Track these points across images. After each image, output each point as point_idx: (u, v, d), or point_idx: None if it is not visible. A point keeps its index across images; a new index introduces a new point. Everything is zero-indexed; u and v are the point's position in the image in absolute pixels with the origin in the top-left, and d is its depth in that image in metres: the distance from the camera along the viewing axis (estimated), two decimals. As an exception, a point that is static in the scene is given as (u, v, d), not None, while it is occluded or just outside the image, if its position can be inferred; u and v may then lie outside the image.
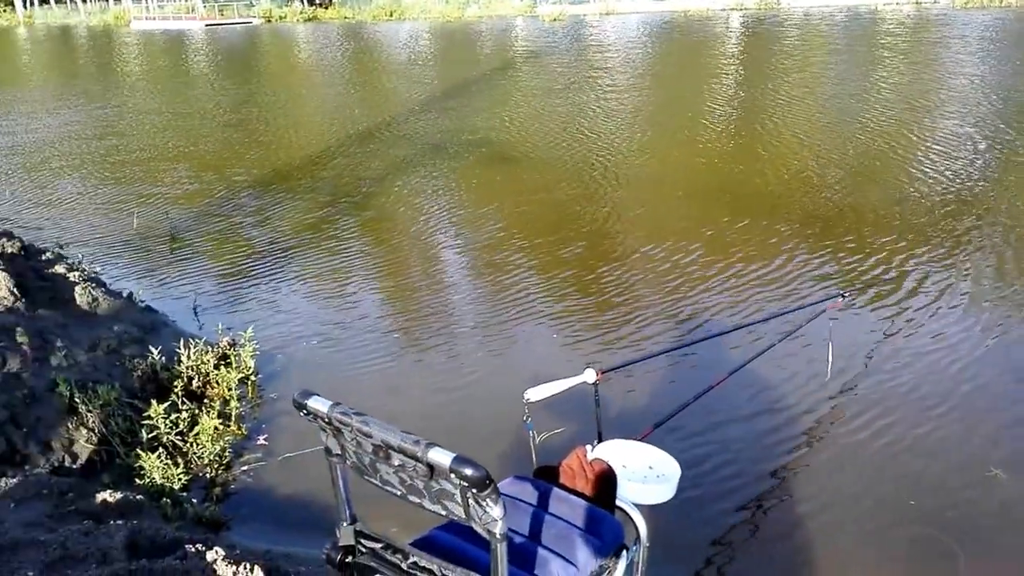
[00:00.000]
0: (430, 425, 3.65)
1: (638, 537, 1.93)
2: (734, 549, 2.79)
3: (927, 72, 13.95)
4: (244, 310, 5.27)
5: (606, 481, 1.97)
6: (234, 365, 4.26)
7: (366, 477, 1.52)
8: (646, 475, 2.08)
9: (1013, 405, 3.57)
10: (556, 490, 1.94)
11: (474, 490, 1.32)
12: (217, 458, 3.53)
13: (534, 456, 2.22)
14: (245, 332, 4.35)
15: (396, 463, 1.43)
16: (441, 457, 1.32)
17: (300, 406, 1.50)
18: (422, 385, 4.11)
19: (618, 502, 1.97)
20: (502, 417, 3.50)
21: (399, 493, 1.49)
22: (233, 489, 3.38)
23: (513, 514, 1.86)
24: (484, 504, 1.35)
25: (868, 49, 17.96)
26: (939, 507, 2.93)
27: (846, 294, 4.08)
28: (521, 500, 1.91)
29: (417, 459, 1.36)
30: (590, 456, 2.06)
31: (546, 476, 2.03)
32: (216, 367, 4.18)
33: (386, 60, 21.88)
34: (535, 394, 2.22)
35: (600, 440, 2.27)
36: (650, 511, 1.96)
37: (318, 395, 1.48)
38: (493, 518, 1.36)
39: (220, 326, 4.62)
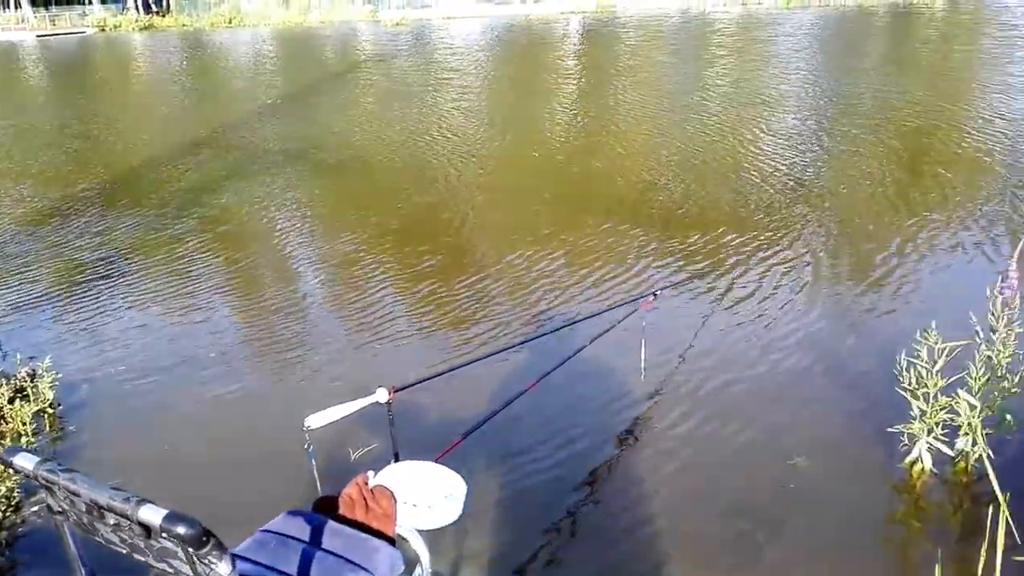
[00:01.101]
0: (228, 458, 3.51)
1: (420, 564, 1.88)
2: (546, 561, 2.79)
3: (762, 69, 14.73)
4: (55, 338, 4.92)
5: (385, 508, 1.91)
6: (32, 398, 3.97)
7: (91, 535, 1.40)
8: (431, 497, 2.03)
9: (819, 394, 3.75)
10: (331, 523, 1.87)
11: (191, 548, 1.23)
12: (4, 499, 3.25)
13: (318, 486, 2.13)
14: (43, 362, 4.07)
15: (111, 522, 1.31)
16: (152, 515, 1.22)
17: (6, 463, 1.37)
18: (226, 418, 3.91)
19: (399, 529, 1.92)
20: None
21: (125, 551, 1.37)
22: (21, 532, 3.12)
23: (282, 553, 1.77)
24: (207, 562, 1.25)
25: (704, 49, 18.80)
26: (745, 500, 3.04)
27: (659, 292, 4.18)
28: (291, 537, 1.82)
29: (128, 518, 1.25)
30: (372, 482, 2.00)
31: (324, 508, 1.95)
32: (11, 400, 3.90)
33: (230, 68, 21.11)
34: (316, 420, 2.13)
35: (397, 462, 2.21)
36: (452, 532, 1.91)
37: (26, 451, 1.35)
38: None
39: (20, 357, 4.29)
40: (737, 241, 5.87)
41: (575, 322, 4.11)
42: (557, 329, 3.97)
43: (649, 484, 3.16)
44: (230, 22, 36.09)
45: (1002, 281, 2.97)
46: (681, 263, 5.56)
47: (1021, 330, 2.96)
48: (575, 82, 15.42)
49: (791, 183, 7.39)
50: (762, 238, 5.92)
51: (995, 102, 10.60)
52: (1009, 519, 2.60)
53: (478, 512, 2.84)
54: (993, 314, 2.99)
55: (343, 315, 5.09)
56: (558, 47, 21.58)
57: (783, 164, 8.06)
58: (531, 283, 5.32)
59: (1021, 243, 3.14)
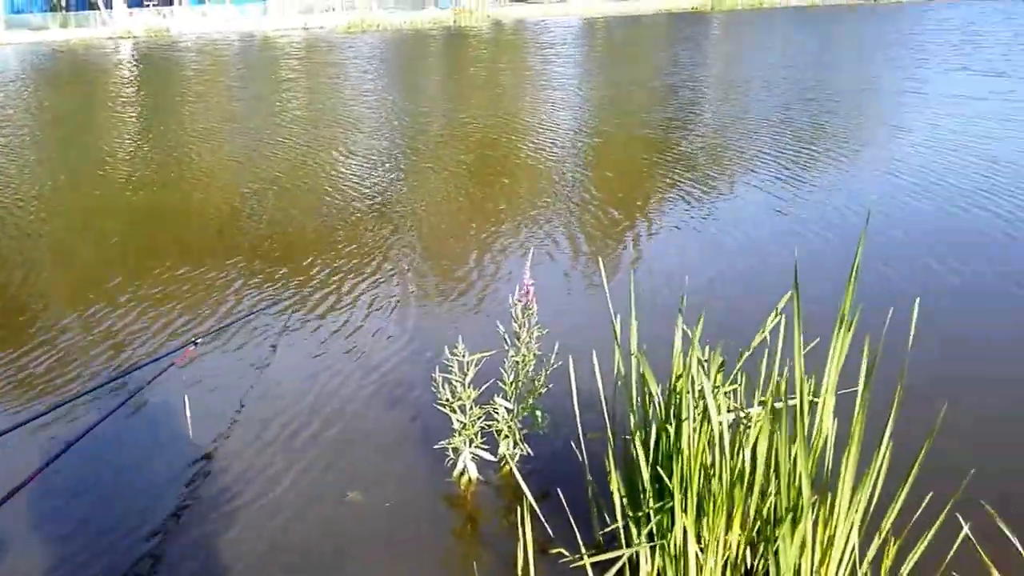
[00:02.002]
0: None
1: None
2: None
3: (335, 92, 14.80)
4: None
5: None
6: None
7: None
8: None
9: (380, 423, 3.69)
10: None
11: None
12: None
13: None
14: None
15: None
16: None
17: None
18: None
19: None
20: None
21: None
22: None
23: None
24: None
25: (275, 72, 18.48)
26: (296, 544, 2.86)
27: (199, 340, 3.84)
28: None
29: None
30: None
31: None
32: None
33: None
34: None
35: None
36: None
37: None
38: None
39: None
40: (324, 271, 5.67)
41: (85, 393, 3.57)
42: (61, 404, 3.41)
43: (210, 557, 2.84)
44: None
45: (519, 289, 3.15)
46: (267, 298, 5.20)
47: (540, 333, 3.16)
48: (138, 113, 14.22)
49: (374, 204, 7.44)
50: (350, 264, 5.81)
51: (543, 114, 11.82)
52: (539, 513, 2.77)
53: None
54: (515, 321, 3.15)
55: None
56: (112, 75, 19.79)
57: (366, 185, 8.11)
58: (89, 347, 4.59)
59: (532, 252, 3.37)
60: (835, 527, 2.38)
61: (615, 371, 2.74)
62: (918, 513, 2.46)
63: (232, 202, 7.74)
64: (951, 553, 2.42)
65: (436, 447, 3.17)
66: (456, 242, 6.28)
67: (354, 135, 10.81)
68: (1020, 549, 2.24)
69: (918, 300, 2.50)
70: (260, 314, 4.86)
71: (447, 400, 3.06)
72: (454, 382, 3.04)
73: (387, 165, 9.09)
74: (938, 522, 2.34)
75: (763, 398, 2.56)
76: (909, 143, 9.09)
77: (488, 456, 3.14)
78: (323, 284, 5.43)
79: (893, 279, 5.16)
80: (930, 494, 2.48)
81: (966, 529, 2.38)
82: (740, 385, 2.67)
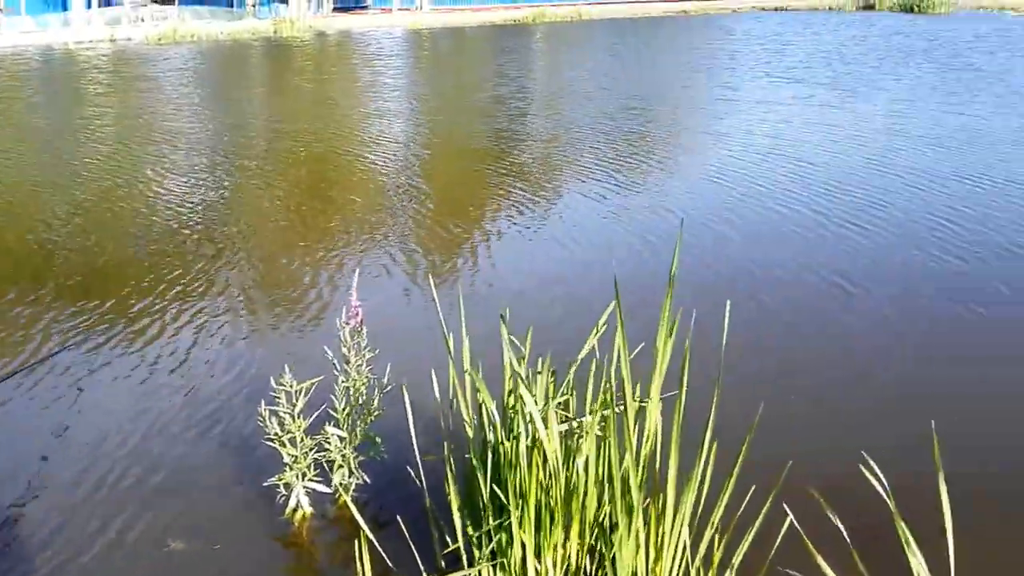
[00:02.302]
0: None
1: None
2: None
3: (152, 106, 13.92)
4: None
5: None
6: None
7: None
8: None
9: (207, 463, 3.48)
10: None
11: None
12: None
13: None
14: None
15: None
16: None
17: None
18: None
19: None
20: None
21: None
22: None
23: None
24: None
25: (83, 88, 17.22)
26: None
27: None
28: None
29: None
30: None
31: None
32: None
33: None
34: None
35: None
36: None
37: None
38: None
39: None
40: (143, 300, 5.25)
41: None
42: None
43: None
44: None
45: (347, 311, 3.06)
46: (77, 333, 4.76)
47: (372, 355, 3.08)
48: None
49: (197, 225, 7.02)
50: (172, 291, 5.42)
51: (374, 126, 11.63)
52: (378, 543, 2.69)
53: None
54: (345, 344, 3.06)
55: None
56: None
57: (187, 205, 7.65)
58: None
59: (358, 274, 3.29)
60: (666, 527, 2.44)
61: (451, 389, 2.70)
62: (743, 506, 2.57)
63: (37, 230, 7.11)
64: (777, 541, 2.54)
65: (267, 484, 3.02)
66: (286, 262, 6.06)
67: (172, 152, 10.24)
68: (842, 531, 2.38)
69: (728, 304, 2.62)
70: (68, 351, 4.48)
71: (276, 434, 2.92)
72: (282, 414, 2.91)
73: (210, 183, 8.66)
74: (762, 513, 2.45)
75: (594, 406, 2.60)
76: (727, 148, 9.61)
77: (323, 488, 3.02)
78: (141, 315, 5.08)
79: (717, 280, 5.43)
80: (752, 488, 2.61)
81: (791, 517, 2.50)
82: (571, 395, 2.71)
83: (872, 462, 2.26)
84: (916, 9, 26.56)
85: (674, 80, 15.51)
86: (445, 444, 2.67)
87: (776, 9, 30.54)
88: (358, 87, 16.53)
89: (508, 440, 2.55)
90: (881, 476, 2.21)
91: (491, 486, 2.54)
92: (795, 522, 2.47)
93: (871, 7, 28.56)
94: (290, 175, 9.02)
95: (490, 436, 2.61)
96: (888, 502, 2.13)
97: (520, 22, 29.95)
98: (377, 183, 8.53)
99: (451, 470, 2.60)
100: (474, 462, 2.59)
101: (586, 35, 25.88)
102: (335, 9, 35.13)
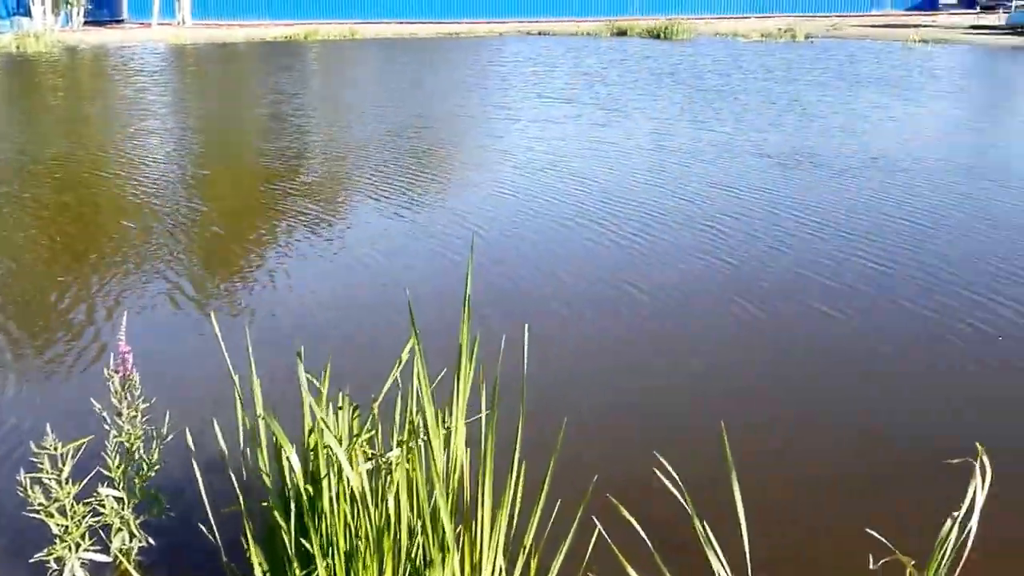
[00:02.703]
0: None
1: None
2: None
3: None
4: None
5: None
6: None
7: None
8: None
9: None
10: None
11: None
12: None
13: None
14: None
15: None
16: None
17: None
18: None
19: None
20: None
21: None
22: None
23: None
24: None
25: None
26: None
27: None
28: None
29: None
30: None
31: None
32: None
33: None
34: None
35: None
36: None
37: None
38: None
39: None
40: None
41: None
42: None
43: None
44: None
45: (115, 358, 2.77)
46: None
47: (146, 405, 2.80)
48: None
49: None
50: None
51: (143, 147, 10.79)
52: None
53: None
54: (115, 395, 2.76)
55: None
56: None
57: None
58: None
59: (125, 317, 3.00)
60: (481, 553, 2.41)
61: (244, 434, 2.51)
62: (553, 523, 2.59)
63: None
64: (588, 552, 2.58)
65: (34, 560, 2.66)
66: (46, 303, 5.44)
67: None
68: (644, 536, 2.44)
69: (527, 326, 2.63)
70: None
71: (40, 504, 2.57)
72: (46, 481, 2.57)
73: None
74: (573, 527, 2.47)
75: (400, 438, 2.51)
76: (512, 163, 9.83)
77: (102, 557, 2.70)
78: None
79: (516, 295, 5.50)
80: (559, 501, 2.63)
81: (599, 527, 2.55)
82: (376, 430, 2.60)
83: (667, 464, 2.33)
84: (662, 36, 28.75)
85: (453, 99, 15.72)
86: (240, 495, 2.47)
87: (539, 33, 31.91)
88: (121, 105, 15.37)
89: (311, 484, 2.41)
90: (676, 477, 2.29)
91: (295, 535, 2.38)
92: (603, 532, 2.52)
93: (623, 33, 30.55)
94: (50, 202, 8.18)
95: (291, 481, 2.45)
96: (686, 503, 2.21)
97: (292, 39, 29.20)
98: (152, 208, 7.91)
99: (248, 522, 2.41)
100: (275, 511, 2.42)
101: (362, 54, 25.69)
102: (87, 23, 32.52)
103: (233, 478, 2.53)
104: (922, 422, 3.97)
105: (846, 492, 3.41)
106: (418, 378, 2.30)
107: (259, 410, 2.46)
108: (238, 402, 2.49)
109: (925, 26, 28.49)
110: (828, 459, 3.67)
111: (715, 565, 2.22)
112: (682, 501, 2.22)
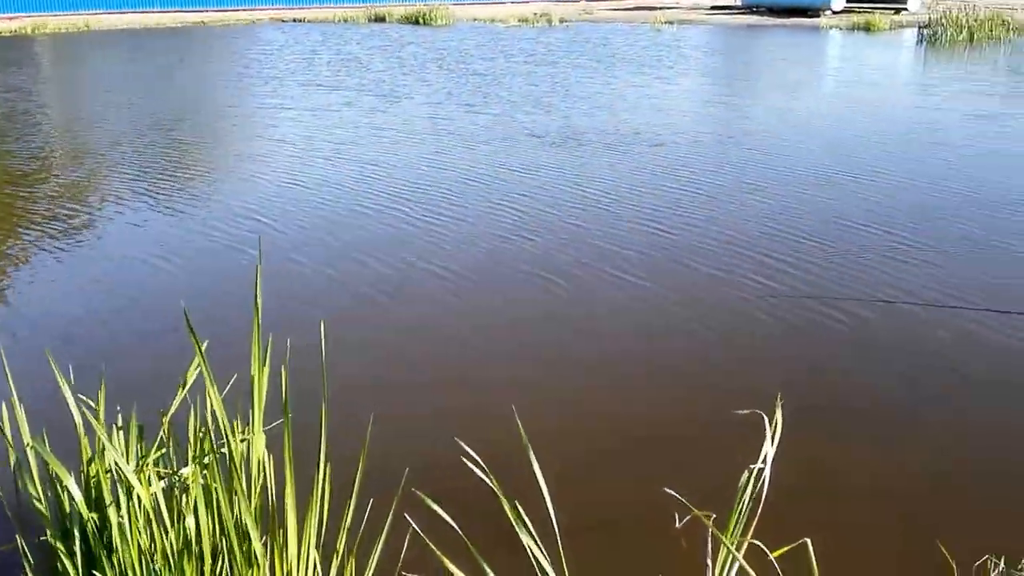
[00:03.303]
0: None
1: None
2: None
3: None
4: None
5: None
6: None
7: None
8: None
9: None
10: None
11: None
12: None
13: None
14: None
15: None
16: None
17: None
18: None
19: None
20: None
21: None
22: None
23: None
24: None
25: None
26: None
27: None
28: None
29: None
30: None
31: None
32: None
33: None
34: None
35: None
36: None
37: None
38: None
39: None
40: None
41: None
42: None
43: None
44: None
45: None
46: None
47: None
48: None
49: None
50: None
51: None
52: None
53: None
54: None
55: None
56: None
57: None
58: None
59: None
60: (291, 560, 2.34)
61: (12, 466, 2.27)
62: (367, 523, 2.56)
63: None
64: (403, 550, 2.57)
65: None
66: None
67: None
68: (455, 525, 2.46)
69: (323, 322, 2.57)
70: None
71: None
72: None
73: None
74: (387, 525, 2.45)
75: (195, 454, 2.38)
76: (293, 153, 9.51)
77: None
78: None
79: (314, 290, 5.32)
80: (371, 500, 2.61)
81: (413, 524, 2.53)
82: (169, 447, 2.45)
83: (471, 451, 2.33)
84: (421, 21, 28.97)
85: (217, 90, 14.93)
86: (18, 530, 2.24)
87: (295, 20, 31.03)
88: None
89: (96, 511, 2.23)
90: (481, 462, 2.29)
91: (81, 568, 2.19)
92: (416, 528, 2.51)
93: (382, 19, 30.45)
94: None
95: (74, 510, 2.25)
96: (494, 487, 2.22)
97: (19, 33, 26.31)
98: None
99: (28, 560, 2.20)
100: (58, 547, 2.22)
101: (102, 46, 23.65)
102: None
103: (8, 513, 2.29)
104: (713, 381, 4.25)
105: (646, 455, 3.59)
106: (209, 391, 2.19)
107: (26, 437, 2.24)
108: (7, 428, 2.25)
109: (670, 8, 30.65)
110: (626, 423, 3.86)
111: (525, 540, 2.27)
112: (489, 483, 2.22)
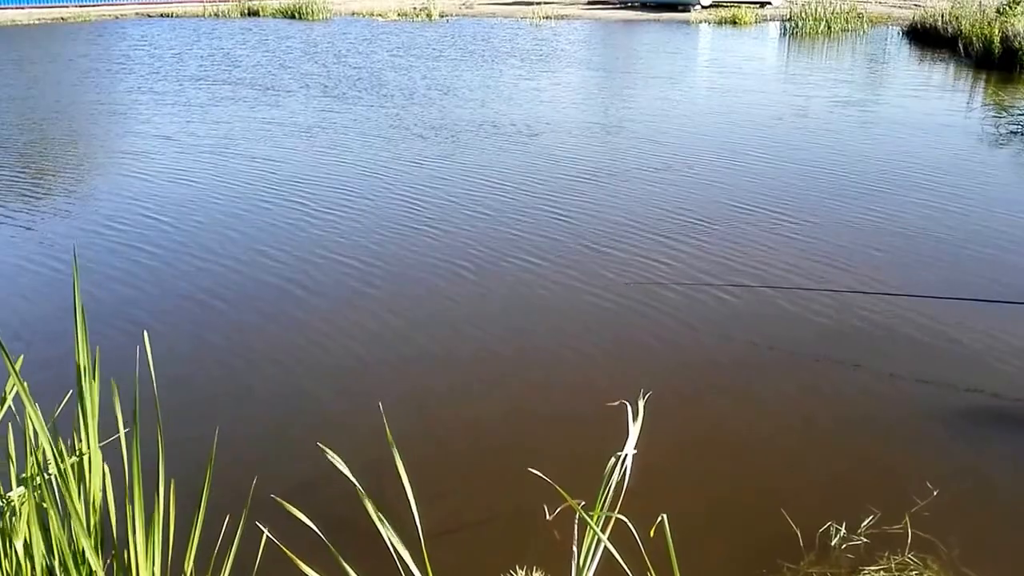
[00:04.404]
0: None
1: None
2: None
3: None
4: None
5: None
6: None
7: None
8: None
9: None
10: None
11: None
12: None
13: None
14: None
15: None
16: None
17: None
18: None
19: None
20: None
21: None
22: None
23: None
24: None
25: None
26: None
27: None
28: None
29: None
30: None
31: None
32: None
33: None
34: None
35: None
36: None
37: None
38: None
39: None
40: None
41: None
42: None
43: None
44: None
45: None
46: None
47: None
48: None
49: None
50: None
51: None
52: None
53: None
54: None
55: None
56: None
57: None
58: None
59: None
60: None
61: None
62: (221, 535, 2.45)
63: None
64: (259, 558, 2.47)
65: None
66: None
67: None
68: (314, 528, 2.38)
69: (146, 332, 2.44)
70: None
71: None
72: None
73: None
74: (237, 536, 2.35)
75: (24, 475, 2.22)
76: (179, 149, 9.23)
77: None
78: None
79: (186, 284, 5.07)
80: (228, 516, 2.50)
81: (266, 532, 2.44)
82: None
83: (331, 453, 2.26)
84: (297, 16, 28.31)
85: (84, 88, 14.14)
86: None
87: (162, 16, 29.82)
88: None
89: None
90: (340, 463, 2.23)
91: None
92: (270, 534, 2.42)
93: (255, 13, 29.61)
94: None
95: None
96: (355, 484, 2.17)
97: None
98: None
99: None
100: None
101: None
102: None
103: None
104: (582, 367, 4.26)
105: (517, 442, 3.58)
106: (28, 409, 2.03)
107: None
108: None
109: (548, 3, 30.91)
110: (495, 412, 3.84)
111: (388, 540, 2.22)
112: (354, 483, 2.16)
